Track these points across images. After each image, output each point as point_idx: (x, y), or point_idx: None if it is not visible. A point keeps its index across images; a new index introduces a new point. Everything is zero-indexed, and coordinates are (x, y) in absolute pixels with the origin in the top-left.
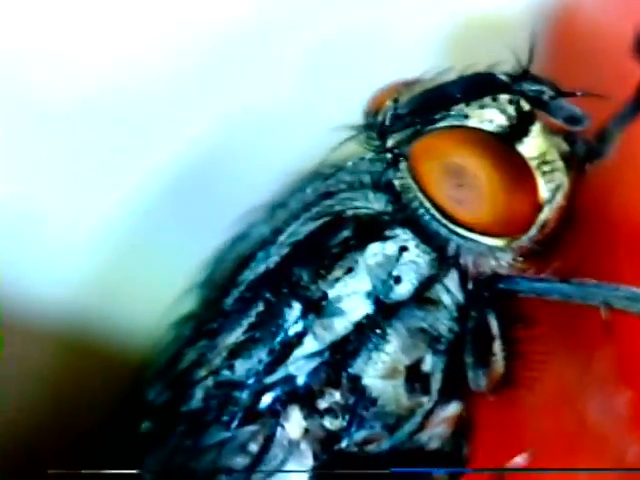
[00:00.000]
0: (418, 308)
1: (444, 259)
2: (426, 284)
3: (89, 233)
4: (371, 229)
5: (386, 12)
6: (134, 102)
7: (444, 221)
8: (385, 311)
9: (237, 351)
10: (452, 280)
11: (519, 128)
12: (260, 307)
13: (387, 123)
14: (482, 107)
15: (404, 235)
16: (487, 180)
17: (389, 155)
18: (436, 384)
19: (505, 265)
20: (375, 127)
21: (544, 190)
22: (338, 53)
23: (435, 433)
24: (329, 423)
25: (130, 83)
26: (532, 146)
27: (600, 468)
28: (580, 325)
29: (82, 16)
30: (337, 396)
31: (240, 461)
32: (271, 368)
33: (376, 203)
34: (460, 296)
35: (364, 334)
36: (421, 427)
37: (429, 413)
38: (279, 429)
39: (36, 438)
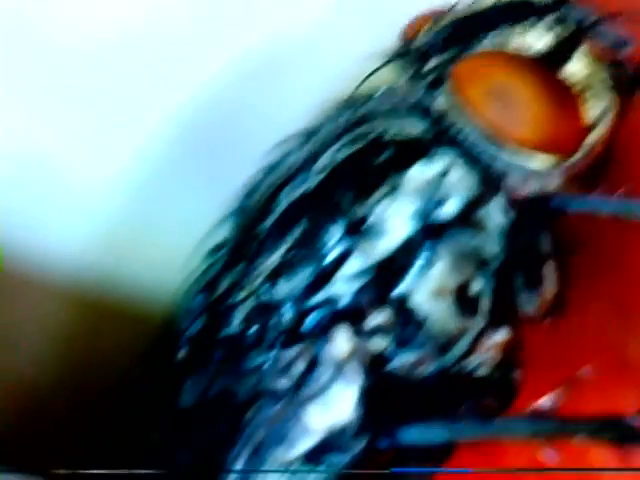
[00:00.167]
0: (465, 229)
1: (489, 181)
2: (471, 205)
3: (104, 186)
4: (414, 150)
5: None
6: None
7: (491, 141)
8: (431, 231)
9: (279, 272)
10: (498, 202)
11: (563, 51)
12: (302, 227)
13: (427, 47)
14: (525, 30)
15: (448, 155)
16: (532, 99)
17: (429, 78)
18: (485, 306)
19: (551, 189)
20: (414, 52)
21: (589, 113)
22: None
23: (484, 359)
24: (376, 344)
25: (143, 23)
26: (576, 69)
27: (602, 468)
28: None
29: None
30: (384, 316)
31: (283, 384)
32: (314, 288)
33: (416, 127)
34: (506, 219)
35: (410, 254)
36: (470, 351)
37: (478, 336)
38: (325, 350)
39: (50, 394)
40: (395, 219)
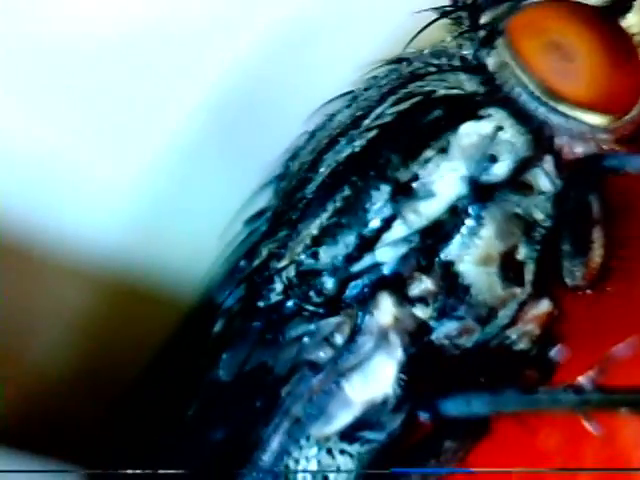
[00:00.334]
0: (513, 192)
1: (540, 141)
2: (522, 166)
3: (132, 172)
4: (464, 109)
5: None
6: (173, 30)
7: (545, 98)
8: (480, 193)
9: (321, 238)
10: (548, 164)
11: (622, 3)
12: (346, 192)
13: (480, 0)
14: None
15: (499, 115)
16: (590, 53)
17: (482, 34)
18: (529, 275)
19: (602, 148)
20: (465, 7)
21: None
22: None
23: (525, 331)
24: (420, 311)
25: (169, 9)
26: (638, 20)
27: (601, 468)
28: None
29: None
30: (428, 283)
31: (323, 355)
32: (358, 255)
33: (468, 84)
34: (556, 181)
35: (457, 217)
36: (513, 322)
37: (521, 307)
38: (368, 317)
39: (69, 380)
40: (443, 180)
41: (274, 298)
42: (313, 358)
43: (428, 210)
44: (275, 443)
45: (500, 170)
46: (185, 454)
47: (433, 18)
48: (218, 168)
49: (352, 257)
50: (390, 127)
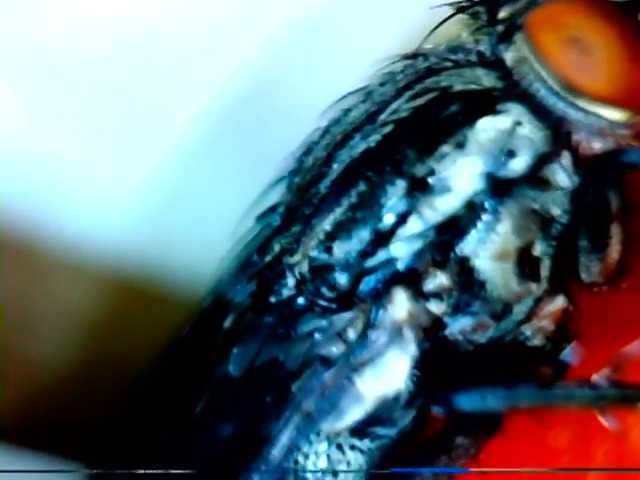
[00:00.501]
0: (531, 187)
1: (558, 136)
2: (540, 162)
3: (141, 172)
4: (481, 104)
5: None
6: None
7: (564, 93)
8: (497, 188)
9: (335, 233)
10: (566, 159)
11: None
12: (361, 187)
13: None
14: None
15: (517, 110)
16: (609, 48)
17: (500, 29)
18: (545, 271)
19: (621, 144)
20: (483, 2)
21: None
22: None
23: (540, 327)
24: (434, 307)
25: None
26: None
27: (603, 468)
28: None
29: None
30: (443, 278)
31: (335, 350)
32: (372, 250)
33: (485, 79)
34: (574, 177)
35: (474, 212)
36: (528, 318)
37: (536, 303)
38: (381, 312)
39: (74, 377)
40: (460, 176)
41: (286, 293)
42: (325, 353)
43: (444, 205)
44: (285, 438)
45: (518, 165)
46: (194, 449)
47: (450, 13)
48: (225, 169)
49: (366, 252)
50: (406, 122)
